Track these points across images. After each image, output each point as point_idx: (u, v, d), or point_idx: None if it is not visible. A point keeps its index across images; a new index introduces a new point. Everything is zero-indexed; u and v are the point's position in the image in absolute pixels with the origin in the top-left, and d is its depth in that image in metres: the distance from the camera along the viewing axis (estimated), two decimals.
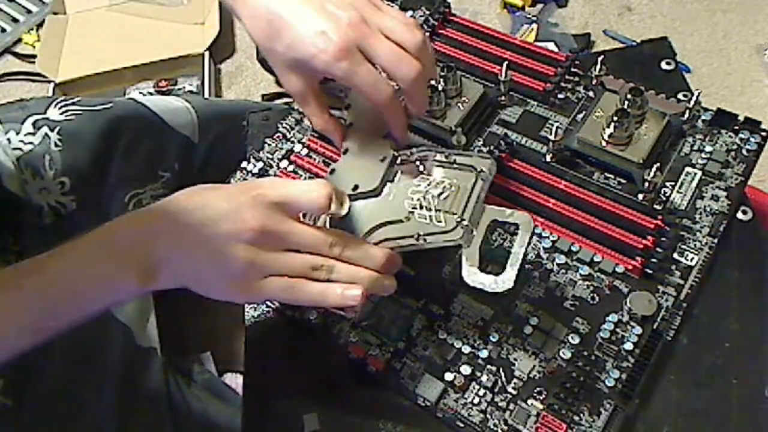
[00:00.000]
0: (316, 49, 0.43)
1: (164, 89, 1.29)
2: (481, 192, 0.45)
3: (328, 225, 0.47)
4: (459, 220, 0.44)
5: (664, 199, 0.52)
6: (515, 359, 0.47)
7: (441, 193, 0.45)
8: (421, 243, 0.44)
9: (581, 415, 0.44)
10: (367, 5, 0.45)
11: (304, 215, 0.46)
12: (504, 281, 0.42)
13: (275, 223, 0.42)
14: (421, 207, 0.45)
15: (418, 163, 0.48)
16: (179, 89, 1.29)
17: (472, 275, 0.43)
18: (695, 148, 0.55)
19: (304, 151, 0.59)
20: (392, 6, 0.51)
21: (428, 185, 0.46)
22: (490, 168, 0.46)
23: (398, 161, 0.48)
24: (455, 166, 0.46)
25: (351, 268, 0.43)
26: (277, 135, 0.61)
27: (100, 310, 0.43)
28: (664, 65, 0.62)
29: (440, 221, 0.44)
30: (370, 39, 0.44)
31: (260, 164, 0.59)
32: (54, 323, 0.42)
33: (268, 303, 0.53)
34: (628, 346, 0.46)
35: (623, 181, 0.54)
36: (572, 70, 0.61)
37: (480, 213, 0.44)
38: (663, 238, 0.50)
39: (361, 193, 0.47)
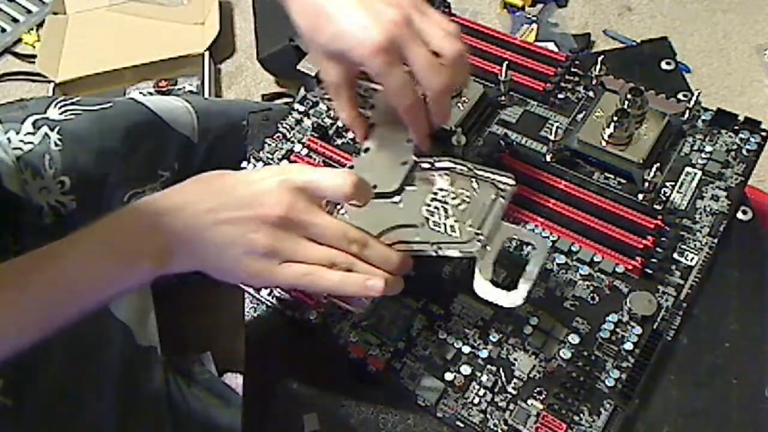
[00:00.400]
0: (356, 42, 0.44)
1: (164, 89, 1.29)
2: (500, 208, 0.45)
3: (347, 217, 0.47)
4: (476, 233, 0.44)
5: (664, 199, 0.52)
6: (515, 359, 0.47)
7: (459, 205, 0.46)
8: (435, 251, 0.45)
9: (581, 415, 0.44)
10: (413, 8, 0.45)
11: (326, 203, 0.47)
12: (515, 298, 0.42)
13: (300, 210, 0.42)
14: (438, 215, 0.46)
15: (438, 171, 0.48)
16: (179, 89, 1.29)
17: (485, 289, 0.43)
18: (695, 148, 0.55)
19: (304, 151, 0.59)
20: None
21: (447, 195, 0.46)
22: (511, 186, 0.46)
23: (418, 167, 0.49)
24: (476, 179, 0.46)
25: (369, 268, 0.44)
26: (277, 135, 0.61)
27: (108, 301, 0.43)
28: (664, 65, 0.62)
29: (455, 232, 0.45)
30: (409, 42, 0.44)
31: (260, 164, 0.59)
32: (55, 320, 0.42)
33: (268, 303, 0.53)
34: (628, 346, 0.46)
35: (623, 181, 0.54)
36: (572, 70, 0.61)
37: (497, 229, 0.44)
38: (663, 238, 0.50)
39: (379, 194, 0.47)
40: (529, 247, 0.49)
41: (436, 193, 0.47)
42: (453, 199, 0.46)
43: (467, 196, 0.46)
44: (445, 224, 0.45)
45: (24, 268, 0.42)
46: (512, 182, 0.46)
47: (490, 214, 0.45)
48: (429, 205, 0.46)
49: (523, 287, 0.42)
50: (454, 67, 0.45)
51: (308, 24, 0.47)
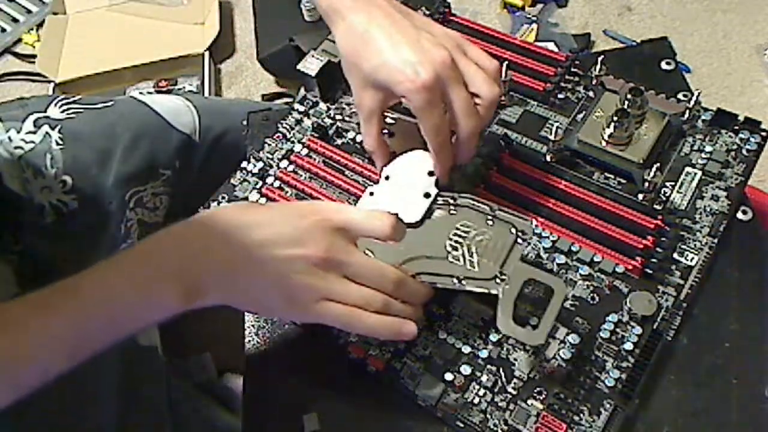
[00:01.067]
0: (404, 77, 0.45)
1: (164, 89, 1.29)
2: (520, 250, 0.47)
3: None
4: (499, 273, 0.46)
5: (664, 199, 0.53)
6: (515, 359, 0.47)
7: (481, 242, 0.47)
8: (458, 285, 0.46)
9: (581, 415, 0.44)
10: (456, 49, 0.48)
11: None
12: (536, 336, 0.44)
13: (339, 250, 0.43)
14: (461, 250, 0.47)
15: (459, 208, 0.49)
16: (179, 89, 1.29)
17: (507, 326, 0.44)
18: (695, 148, 0.55)
19: (304, 151, 0.59)
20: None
21: (468, 231, 0.48)
22: (529, 228, 0.47)
23: (440, 200, 0.50)
24: (496, 219, 0.48)
25: (401, 307, 0.45)
26: (277, 135, 0.61)
27: (138, 331, 0.43)
28: (664, 65, 0.62)
29: (475, 268, 0.46)
30: (453, 84, 0.46)
31: (260, 164, 0.59)
32: (91, 345, 0.41)
33: None
34: (628, 346, 0.46)
35: (623, 181, 0.54)
36: (572, 70, 0.61)
37: (517, 270, 0.46)
38: (663, 238, 0.50)
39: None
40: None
41: (458, 228, 0.48)
42: (475, 236, 0.47)
43: (488, 235, 0.47)
44: (466, 259, 0.47)
45: (61, 291, 0.41)
46: (531, 225, 0.47)
47: (511, 255, 0.46)
48: (451, 239, 0.48)
49: (544, 327, 0.44)
50: (489, 110, 0.48)
51: (353, 49, 0.48)
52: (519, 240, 0.47)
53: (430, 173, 0.51)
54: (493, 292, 0.46)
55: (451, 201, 0.50)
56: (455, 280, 0.46)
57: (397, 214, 0.45)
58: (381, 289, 0.44)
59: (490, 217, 0.48)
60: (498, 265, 0.46)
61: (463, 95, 0.46)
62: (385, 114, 0.52)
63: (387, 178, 0.52)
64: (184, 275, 0.42)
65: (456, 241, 0.48)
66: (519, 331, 0.44)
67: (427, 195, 0.50)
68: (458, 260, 0.47)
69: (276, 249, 0.42)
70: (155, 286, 0.42)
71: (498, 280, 0.46)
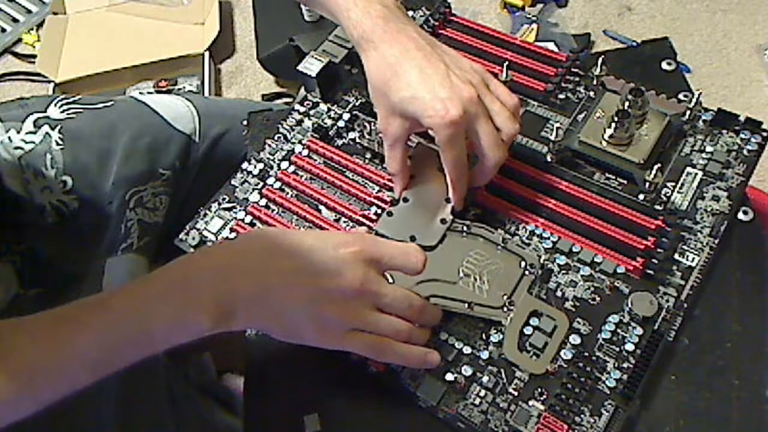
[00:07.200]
0: (434, 112, 0.46)
1: (164, 89, 1.29)
2: (528, 282, 0.49)
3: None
4: (508, 302, 0.48)
5: (665, 199, 0.52)
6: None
7: (492, 271, 0.50)
8: (468, 311, 0.48)
9: (582, 416, 0.44)
10: (482, 85, 0.49)
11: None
12: (539, 365, 0.46)
13: (372, 283, 0.44)
14: (473, 277, 0.49)
15: (472, 236, 0.52)
16: (179, 89, 1.29)
17: (513, 354, 0.47)
18: (696, 148, 0.55)
19: (305, 152, 0.59)
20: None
21: (481, 259, 0.50)
22: (537, 262, 0.50)
23: (454, 227, 0.52)
24: (506, 251, 0.51)
25: (423, 334, 0.47)
26: (277, 136, 0.61)
27: (165, 348, 0.43)
28: (664, 65, 0.62)
29: (484, 295, 0.49)
30: (479, 120, 0.47)
31: (261, 165, 0.59)
32: (117, 362, 0.42)
33: None
34: (629, 346, 0.46)
35: (624, 181, 0.54)
36: (573, 70, 0.61)
37: (524, 301, 0.48)
38: (664, 239, 0.50)
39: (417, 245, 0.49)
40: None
41: (470, 255, 0.50)
42: (486, 264, 0.50)
43: (498, 265, 0.50)
44: (476, 286, 0.49)
45: (92, 307, 0.42)
46: (538, 257, 0.50)
47: (519, 286, 0.49)
48: (463, 265, 0.50)
49: (546, 357, 0.46)
50: (509, 143, 0.50)
51: (383, 78, 0.49)
52: (527, 272, 0.49)
53: (447, 200, 0.53)
54: (501, 320, 0.48)
55: (465, 228, 0.52)
56: (466, 306, 0.48)
57: (419, 246, 0.47)
58: (406, 317, 0.45)
59: (500, 248, 0.50)
60: (507, 294, 0.48)
61: (489, 130, 0.48)
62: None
63: (405, 200, 0.54)
64: (218, 301, 0.42)
65: (468, 268, 0.50)
66: (523, 358, 0.46)
67: (443, 221, 0.52)
68: (468, 286, 0.49)
69: (311, 278, 0.43)
70: (189, 311, 0.42)
71: (506, 309, 0.48)
